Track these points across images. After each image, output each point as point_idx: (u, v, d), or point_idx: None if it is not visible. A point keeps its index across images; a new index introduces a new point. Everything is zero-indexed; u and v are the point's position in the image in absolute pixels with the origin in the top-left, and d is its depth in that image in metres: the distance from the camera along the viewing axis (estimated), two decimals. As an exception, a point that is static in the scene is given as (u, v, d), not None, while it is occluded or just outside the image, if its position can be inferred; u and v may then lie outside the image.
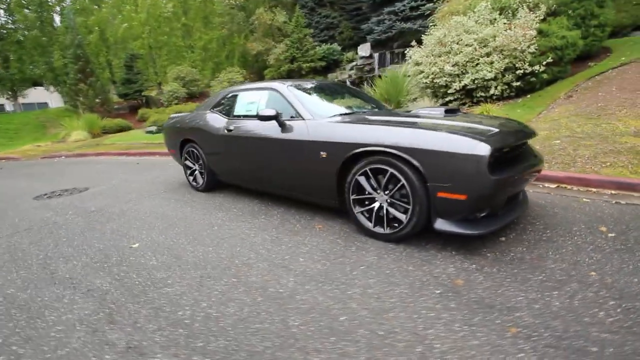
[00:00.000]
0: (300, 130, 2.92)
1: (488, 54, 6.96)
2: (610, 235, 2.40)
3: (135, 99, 17.52)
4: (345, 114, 3.15)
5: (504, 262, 2.14)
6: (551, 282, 1.89)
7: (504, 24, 6.97)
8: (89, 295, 2.06)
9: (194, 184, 4.39)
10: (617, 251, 2.18)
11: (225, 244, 2.69)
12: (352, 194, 2.63)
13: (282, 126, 3.04)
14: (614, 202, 3.02)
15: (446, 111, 2.79)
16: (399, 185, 2.34)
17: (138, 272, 2.31)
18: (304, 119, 2.96)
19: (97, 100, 15.98)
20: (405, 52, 8.64)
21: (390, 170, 2.35)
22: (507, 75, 6.93)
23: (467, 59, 7.05)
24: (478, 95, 7.26)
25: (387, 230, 2.49)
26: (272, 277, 2.13)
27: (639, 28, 9.05)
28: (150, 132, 11.20)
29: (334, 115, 3.02)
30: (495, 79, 6.98)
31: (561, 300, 1.72)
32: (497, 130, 2.30)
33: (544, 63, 6.72)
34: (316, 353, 1.49)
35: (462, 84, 7.16)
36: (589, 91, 6.20)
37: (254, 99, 3.58)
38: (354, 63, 13.60)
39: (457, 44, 7.20)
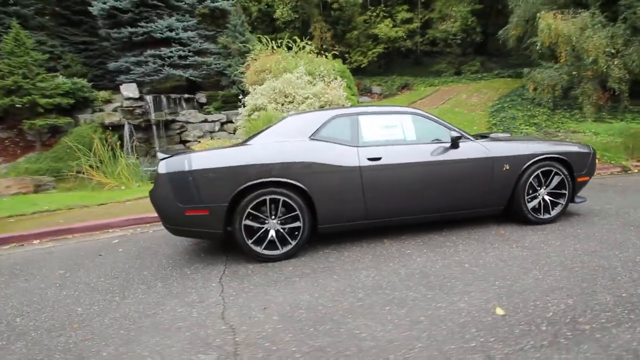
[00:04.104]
0: (476, 150, 3.14)
1: (322, 107, 8.69)
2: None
3: None
4: (480, 135, 3.67)
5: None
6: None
7: (325, 84, 9.04)
8: None
9: (267, 252, 2.75)
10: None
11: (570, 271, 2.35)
12: (527, 195, 3.28)
13: (457, 147, 3.10)
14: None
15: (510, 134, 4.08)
16: (559, 180, 3.34)
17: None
18: (472, 140, 3.21)
19: None
20: (243, 99, 8.77)
21: (555, 170, 3.31)
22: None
23: (311, 108, 8.44)
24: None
25: (551, 215, 3.36)
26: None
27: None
28: None
29: (481, 136, 3.50)
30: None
31: None
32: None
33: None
34: None
35: (312, 128, 8.42)
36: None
37: (392, 124, 3.11)
38: (117, 104, 10.82)
39: (298, 95, 8.44)
